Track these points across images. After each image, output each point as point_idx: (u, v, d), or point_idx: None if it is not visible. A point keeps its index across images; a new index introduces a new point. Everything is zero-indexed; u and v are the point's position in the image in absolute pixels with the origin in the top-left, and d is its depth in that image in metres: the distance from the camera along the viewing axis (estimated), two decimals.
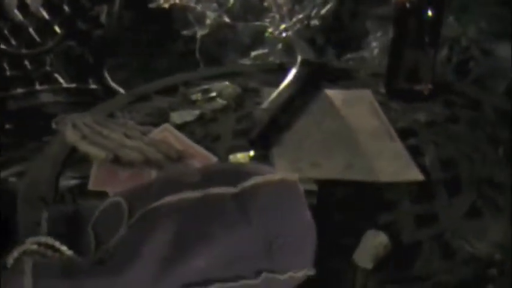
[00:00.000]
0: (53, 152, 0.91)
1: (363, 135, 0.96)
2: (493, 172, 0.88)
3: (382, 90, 1.13)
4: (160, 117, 1.03)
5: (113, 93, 1.83)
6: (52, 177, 0.85)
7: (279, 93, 1.04)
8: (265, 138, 0.92)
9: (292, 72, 1.12)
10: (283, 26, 1.97)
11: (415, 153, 0.93)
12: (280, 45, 1.95)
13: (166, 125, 0.95)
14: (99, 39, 1.81)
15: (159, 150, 0.84)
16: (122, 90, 1.82)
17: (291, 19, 1.99)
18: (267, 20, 2.10)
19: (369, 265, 0.67)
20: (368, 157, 0.90)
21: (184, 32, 2.10)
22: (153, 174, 0.84)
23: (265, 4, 2.01)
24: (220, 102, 1.08)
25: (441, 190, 0.84)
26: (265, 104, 1.00)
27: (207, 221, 0.58)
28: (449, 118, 1.05)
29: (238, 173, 0.63)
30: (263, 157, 0.90)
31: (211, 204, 0.59)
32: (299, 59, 1.15)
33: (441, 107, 1.09)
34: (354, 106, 1.07)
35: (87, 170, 0.87)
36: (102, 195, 0.80)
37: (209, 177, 0.63)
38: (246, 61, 2.02)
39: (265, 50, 1.98)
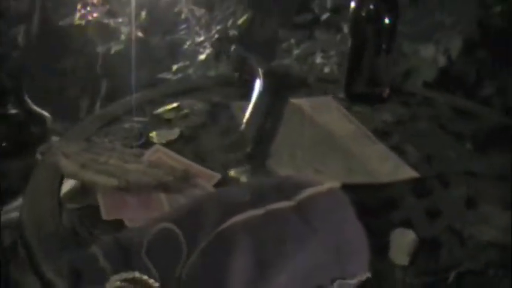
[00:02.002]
0: (46, 185, 0.86)
1: (345, 140, 1.01)
2: (471, 164, 0.96)
3: (340, 95, 1.19)
4: (139, 139, 1.01)
5: (37, 117, 1.75)
6: (56, 212, 0.81)
7: (255, 106, 1.06)
8: (262, 151, 0.94)
9: (258, 83, 1.15)
10: (201, 38, 1.98)
11: (397, 152, 0.99)
12: (201, 57, 1.96)
13: (157, 146, 0.94)
14: (17, 61, 1.73)
15: (164, 172, 0.83)
16: (46, 114, 1.74)
17: (209, 30, 2.01)
18: (182, 33, 2.10)
19: (405, 261, 0.71)
20: (360, 160, 0.94)
21: (99, 49, 2.05)
22: (162, 197, 0.84)
23: (183, 16, 2.00)
24: (196, 118, 1.08)
25: (435, 184, 0.90)
26: (247, 118, 1.01)
27: (278, 236, 0.59)
28: (412, 117, 1.13)
29: (288, 187, 0.64)
30: (259, 169, 0.93)
31: (276, 220, 0.61)
32: (261, 70, 1.18)
33: (400, 107, 1.17)
34: (324, 113, 1.11)
35: (85, 199, 0.85)
36: (117, 223, 0.79)
37: (259, 194, 0.64)
38: (167, 75, 2.01)
39: (187, 63, 1.98)
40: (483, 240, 0.78)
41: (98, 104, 2.25)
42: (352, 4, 1.12)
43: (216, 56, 2.02)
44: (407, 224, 0.80)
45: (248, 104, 1.10)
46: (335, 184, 0.65)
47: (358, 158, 0.94)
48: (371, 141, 1.01)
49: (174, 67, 1.98)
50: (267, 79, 1.14)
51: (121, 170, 0.81)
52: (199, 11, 1.96)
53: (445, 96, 1.20)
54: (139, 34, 2.13)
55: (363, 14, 1.11)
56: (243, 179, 0.88)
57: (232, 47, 1.29)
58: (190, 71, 2.02)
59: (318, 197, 0.63)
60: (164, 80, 2.03)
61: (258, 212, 0.61)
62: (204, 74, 2.05)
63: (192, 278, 0.57)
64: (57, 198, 0.84)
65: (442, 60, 1.57)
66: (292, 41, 2.08)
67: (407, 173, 0.91)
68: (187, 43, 1.97)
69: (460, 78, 1.76)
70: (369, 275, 0.63)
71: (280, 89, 1.14)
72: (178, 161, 0.90)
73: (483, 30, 1.57)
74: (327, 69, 1.91)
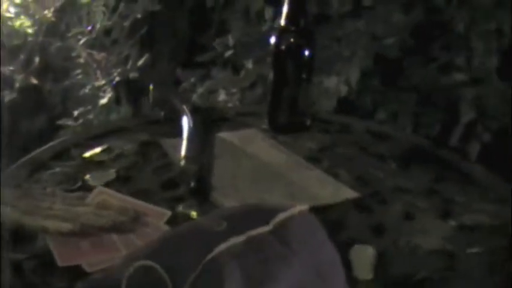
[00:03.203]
0: None
1: (281, 168, 1.04)
2: (400, 181, 1.03)
3: (263, 126, 1.23)
4: (75, 183, 0.99)
5: None
6: (4, 267, 0.76)
7: (189, 142, 1.07)
8: (205, 185, 0.94)
9: (185, 120, 1.16)
10: (102, 82, 1.95)
11: (330, 176, 1.04)
12: (103, 101, 1.93)
13: (100, 188, 0.91)
14: None
15: (116, 213, 0.81)
16: None
17: (109, 74, 1.99)
18: (79, 77, 2.06)
19: (369, 276, 0.75)
20: (300, 186, 0.97)
21: None
22: (115, 238, 0.82)
23: (81, 60, 1.97)
24: (128, 159, 1.07)
25: (373, 202, 0.95)
26: (184, 154, 1.02)
27: (262, 261, 0.60)
28: (334, 143, 1.18)
29: (261, 213, 0.66)
30: (205, 203, 0.93)
31: (258, 245, 0.62)
32: (186, 107, 1.19)
33: (321, 134, 1.22)
34: (253, 144, 1.14)
35: (31, 246, 0.81)
36: (73, 269, 0.76)
37: (235, 221, 0.65)
38: (69, 121, 1.95)
39: (88, 107, 1.94)
40: (428, 249, 0.84)
41: None
42: (272, 40, 1.17)
43: (116, 100, 2.00)
44: (356, 242, 0.85)
45: (178, 141, 1.11)
46: (304, 207, 0.67)
47: (298, 184, 0.98)
48: (305, 167, 1.05)
49: (76, 112, 1.93)
50: (194, 115, 1.16)
51: (71, 213, 0.79)
52: (99, 55, 1.94)
53: (359, 122, 1.28)
54: (34, 81, 2.07)
55: (283, 48, 1.16)
56: (193, 214, 0.89)
57: (151, 87, 1.29)
58: (91, 115, 1.98)
59: (292, 220, 0.65)
60: (65, 127, 1.97)
61: (240, 239, 0.62)
62: (106, 118, 2.03)
63: None
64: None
65: (343, 90, 1.66)
66: (192, 80, 2.10)
67: (348, 193, 0.95)
68: (88, 87, 1.93)
69: (356, 105, 1.87)
70: None
71: (207, 124, 1.16)
72: (125, 201, 0.89)
73: (377, 60, 1.69)
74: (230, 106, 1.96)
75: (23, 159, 1.08)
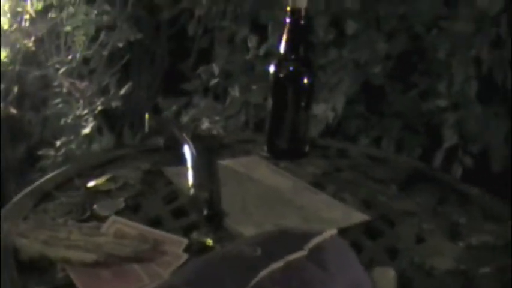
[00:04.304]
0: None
1: (289, 193, 1.05)
2: (405, 204, 1.05)
3: (263, 153, 1.24)
4: (84, 213, 0.97)
5: None
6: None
7: (195, 170, 1.07)
8: (218, 212, 0.95)
9: (187, 148, 1.16)
10: (85, 111, 1.93)
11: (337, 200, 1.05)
12: (85, 130, 1.91)
13: (113, 217, 0.91)
14: None
15: (136, 242, 0.81)
16: None
17: (90, 103, 1.97)
18: (59, 106, 2.04)
19: None
20: (311, 210, 0.99)
21: None
22: (136, 267, 0.81)
23: (63, 90, 1.95)
24: (134, 187, 1.06)
25: (383, 226, 0.97)
26: (193, 182, 1.02)
27: (302, 285, 0.61)
28: (335, 168, 1.20)
29: (293, 238, 0.67)
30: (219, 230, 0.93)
31: (297, 270, 0.62)
32: (187, 135, 1.19)
33: (321, 160, 1.24)
34: (257, 170, 1.15)
35: (50, 277, 0.80)
36: None
37: (269, 247, 0.66)
38: (50, 151, 1.92)
39: (71, 137, 1.92)
40: (444, 270, 0.86)
41: None
42: (271, 68, 1.19)
43: (98, 130, 1.99)
44: (373, 264, 0.86)
45: (182, 169, 1.12)
46: (334, 231, 0.69)
47: (308, 209, 0.99)
48: (312, 192, 1.06)
49: (58, 142, 1.90)
50: (196, 143, 1.16)
51: (92, 243, 0.78)
52: (81, 84, 1.93)
53: (355, 147, 1.30)
54: (13, 110, 2.03)
55: (282, 76, 1.18)
56: (209, 241, 0.89)
57: (147, 116, 1.29)
58: (73, 145, 1.96)
59: (325, 244, 0.66)
60: (46, 157, 1.94)
61: (279, 264, 0.62)
62: (88, 148, 2.00)
63: None
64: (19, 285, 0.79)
65: (330, 116, 1.69)
66: (174, 108, 2.11)
67: (358, 217, 0.97)
68: (70, 117, 1.91)
69: (340, 131, 1.90)
70: None
71: (210, 151, 1.17)
72: (141, 230, 0.88)
73: (364, 87, 1.73)
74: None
75: (27, 190, 1.06)
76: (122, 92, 1.99)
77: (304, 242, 0.66)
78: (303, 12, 1.15)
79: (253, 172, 1.14)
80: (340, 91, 1.67)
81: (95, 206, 1.00)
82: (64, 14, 2.15)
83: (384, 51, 1.70)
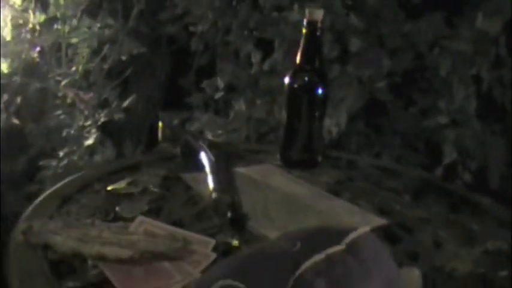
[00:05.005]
0: (35, 269, 0.80)
1: (307, 199, 1.07)
2: (419, 212, 1.08)
3: (276, 162, 1.26)
4: (107, 215, 0.99)
5: None
6: None
7: (215, 175, 1.09)
8: (240, 216, 0.96)
9: (205, 155, 1.18)
10: (88, 122, 1.95)
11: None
12: (88, 142, 1.92)
13: (141, 218, 0.92)
14: None
15: (168, 240, 0.82)
16: None
17: (93, 115, 1.99)
18: (62, 118, 2.05)
19: None
20: (330, 215, 1.01)
21: None
22: (167, 265, 0.82)
23: (69, 100, 1.96)
24: (155, 191, 1.08)
25: (401, 232, 1.00)
26: (215, 187, 1.04)
27: (344, 277, 0.63)
28: (348, 178, 1.23)
29: (332, 233, 0.69)
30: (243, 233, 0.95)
31: (337, 263, 0.64)
32: (205, 143, 1.21)
33: (333, 170, 1.26)
34: (273, 178, 1.17)
35: (82, 275, 0.81)
36: None
37: (308, 241, 0.68)
38: (52, 162, 1.93)
39: (73, 148, 1.92)
40: (465, 272, 0.88)
41: None
42: (287, 79, 1.21)
43: (101, 141, 2.00)
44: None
45: (200, 175, 1.13)
46: (368, 228, 0.71)
47: (327, 213, 1.01)
48: (328, 198, 1.09)
49: (61, 153, 1.91)
50: (213, 150, 1.19)
51: (127, 241, 0.79)
52: (86, 96, 1.94)
53: (365, 158, 1.33)
54: (15, 121, 2.04)
55: (298, 86, 1.21)
56: (235, 243, 0.91)
57: (160, 125, 1.31)
58: (75, 156, 1.96)
59: (361, 239, 0.69)
60: (48, 167, 1.94)
61: (320, 256, 0.64)
62: (90, 160, 2.01)
63: None
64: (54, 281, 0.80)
65: (334, 131, 1.72)
66: (176, 122, 2.13)
67: (377, 221, 1.00)
68: (73, 128, 1.92)
69: (342, 146, 1.93)
70: None
71: (227, 158, 1.19)
72: (169, 230, 0.90)
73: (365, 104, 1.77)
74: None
75: (48, 192, 1.07)
76: (125, 104, 2.01)
77: (341, 237, 0.68)
78: (319, 24, 1.19)
79: (269, 179, 1.16)
80: (343, 107, 1.71)
81: (117, 208, 1.01)
82: (67, 27, 2.18)
83: (387, 68, 1.74)
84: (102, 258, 0.78)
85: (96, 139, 1.94)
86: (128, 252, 0.77)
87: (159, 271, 0.81)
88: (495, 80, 1.76)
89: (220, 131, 2.01)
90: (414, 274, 0.81)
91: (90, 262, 0.82)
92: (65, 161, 1.92)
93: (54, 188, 1.09)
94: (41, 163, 1.96)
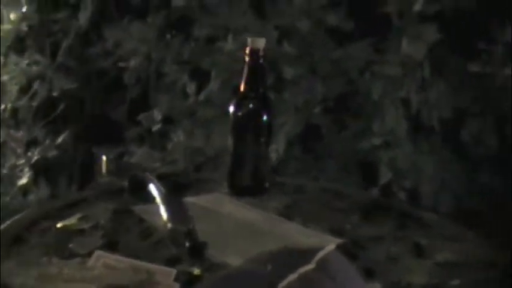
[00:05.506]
0: None
1: (261, 224, 1.08)
2: (369, 231, 1.11)
3: (224, 190, 1.26)
4: (62, 252, 0.95)
5: None
6: None
7: (168, 205, 1.08)
8: (198, 244, 0.96)
9: (154, 186, 1.17)
10: (22, 161, 1.89)
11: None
12: (22, 181, 1.86)
13: (98, 252, 0.90)
14: None
15: (129, 273, 0.81)
16: None
17: (25, 153, 1.93)
18: None
19: None
20: (290, 238, 1.02)
21: None
22: None
23: (1, 140, 1.90)
24: (108, 225, 1.06)
25: (355, 250, 1.02)
26: (170, 217, 1.03)
27: None
28: (296, 202, 1.24)
29: (300, 253, 0.70)
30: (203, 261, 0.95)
31: (310, 281, 0.65)
32: (153, 174, 1.20)
33: (279, 195, 1.28)
34: (224, 205, 1.17)
35: None
36: None
37: (278, 263, 0.68)
38: None
39: (7, 188, 1.86)
40: (419, 285, 0.92)
41: None
42: (231, 108, 1.23)
43: (35, 180, 1.94)
44: None
45: (151, 207, 1.13)
46: (333, 246, 0.73)
47: (284, 237, 1.03)
48: (282, 221, 1.10)
49: None
50: (161, 181, 1.18)
51: (90, 276, 0.78)
52: (18, 134, 1.89)
53: (311, 183, 1.36)
54: None
55: (242, 113, 1.23)
56: (197, 271, 0.90)
57: (104, 159, 1.29)
58: (8, 197, 1.90)
59: (330, 256, 0.70)
60: None
61: (294, 276, 0.65)
62: (24, 200, 1.95)
63: None
64: None
65: (274, 157, 1.75)
66: (111, 157, 2.10)
67: (333, 240, 1.01)
68: (6, 167, 1.86)
69: (280, 172, 1.97)
70: None
71: (176, 189, 1.18)
72: (129, 262, 0.88)
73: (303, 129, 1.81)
74: None
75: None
76: (59, 141, 1.96)
77: (309, 256, 0.70)
78: (261, 53, 1.21)
79: (221, 207, 1.16)
80: (282, 133, 1.74)
81: (71, 245, 0.99)
82: None
83: (321, 95, 1.79)
84: None
85: (29, 178, 1.88)
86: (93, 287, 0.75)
87: None
88: (422, 102, 1.86)
89: (157, 164, 2.00)
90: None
91: None
92: None
93: (0, 228, 1.05)
94: None
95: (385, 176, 1.84)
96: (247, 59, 1.22)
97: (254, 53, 1.21)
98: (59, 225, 1.05)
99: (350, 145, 1.89)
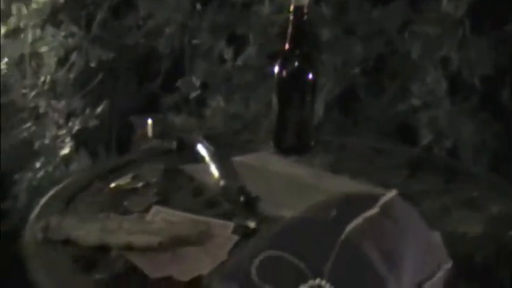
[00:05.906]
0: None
1: (310, 180, 1.08)
2: (418, 185, 1.11)
3: (270, 150, 1.27)
4: (117, 210, 0.98)
5: None
6: None
7: (219, 164, 1.09)
8: (252, 199, 0.97)
9: (202, 147, 1.18)
10: (63, 132, 1.91)
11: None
12: (64, 151, 1.89)
13: (156, 207, 0.92)
14: None
15: (189, 226, 0.82)
16: None
17: (67, 123, 1.95)
18: (32, 129, 2.00)
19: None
20: (337, 191, 1.01)
21: None
22: (192, 249, 0.82)
23: (41, 111, 1.92)
24: (159, 185, 1.07)
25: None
26: (221, 175, 1.05)
27: (383, 237, 0.65)
28: (342, 159, 1.24)
29: (363, 199, 0.71)
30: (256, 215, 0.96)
31: (374, 224, 0.66)
32: (200, 134, 1.22)
33: (324, 153, 1.28)
34: (271, 163, 1.18)
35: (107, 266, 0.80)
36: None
37: (342, 208, 0.69)
38: (28, 174, 1.88)
39: (50, 158, 1.88)
40: (476, 234, 0.92)
41: None
42: (276, 67, 1.23)
43: (76, 150, 1.96)
44: None
45: (200, 166, 1.14)
46: (395, 191, 0.73)
47: (334, 190, 1.02)
48: (330, 177, 1.11)
49: (38, 164, 1.87)
50: (209, 140, 1.19)
51: (151, 228, 0.79)
52: (59, 104, 1.91)
53: (354, 141, 1.36)
54: None
55: (287, 72, 1.22)
56: (252, 224, 0.91)
57: (150, 122, 1.30)
58: (50, 167, 1.93)
59: (392, 202, 0.70)
60: (20, 181, 1.90)
61: (358, 220, 0.66)
62: (66, 169, 1.98)
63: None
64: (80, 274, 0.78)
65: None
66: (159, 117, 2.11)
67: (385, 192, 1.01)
68: (47, 138, 1.89)
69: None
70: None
71: (225, 148, 1.19)
72: (186, 217, 0.90)
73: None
74: None
75: (51, 193, 1.05)
76: (99, 110, 1.98)
77: (372, 202, 0.70)
78: (305, 9, 1.21)
79: (268, 165, 1.17)
80: (320, 96, 1.73)
81: (125, 203, 1.00)
82: (30, 37, 2.14)
83: (360, 56, 1.77)
84: (129, 247, 0.77)
85: (71, 148, 1.91)
86: (156, 238, 0.77)
87: (185, 256, 0.81)
88: (462, 61, 1.83)
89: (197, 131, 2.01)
90: (437, 237, 0.83)
91: (113, 253, 0.81)
92: (41, 173, 1.88)
93: (54, 190, 1.07)
94: (15, 176, 1.92)
95: (426, 137, 1.82)
96: (291, 16, 1.21)
97: (298, 9, 1.20)
98: (112, 185, 1.07)
99: (389, 107, 1.88)
